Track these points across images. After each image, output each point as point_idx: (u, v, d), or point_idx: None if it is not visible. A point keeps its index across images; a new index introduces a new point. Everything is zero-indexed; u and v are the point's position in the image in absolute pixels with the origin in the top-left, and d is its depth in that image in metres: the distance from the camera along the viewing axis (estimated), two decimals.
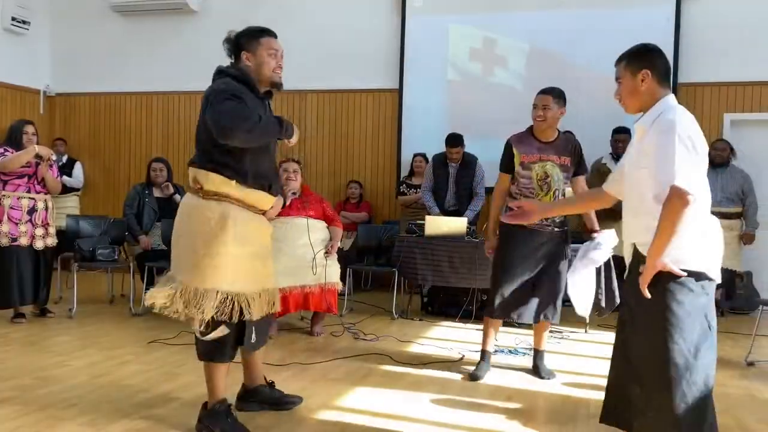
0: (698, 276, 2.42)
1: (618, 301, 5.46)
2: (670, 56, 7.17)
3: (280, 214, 5.09)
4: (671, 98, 2.56)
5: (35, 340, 4.94)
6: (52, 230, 5.71)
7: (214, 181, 2.96)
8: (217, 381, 3.11)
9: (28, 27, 8.84)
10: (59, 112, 9.46)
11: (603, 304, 5.38)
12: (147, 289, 6.03)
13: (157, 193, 6.57)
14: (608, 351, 5.01)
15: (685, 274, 2.39)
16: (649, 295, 2.40)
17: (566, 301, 6.74)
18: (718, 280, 2.49)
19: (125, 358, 4.44)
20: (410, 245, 6.07)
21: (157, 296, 2.99)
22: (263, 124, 2.87)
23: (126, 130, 9.20)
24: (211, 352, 3.07)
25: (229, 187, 2.97)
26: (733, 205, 6.61)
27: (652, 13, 7.33)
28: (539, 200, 4.02)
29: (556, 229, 4.10)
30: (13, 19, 8.62)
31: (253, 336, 3.14)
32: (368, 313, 6.25)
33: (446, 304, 6.21)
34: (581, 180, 4.18)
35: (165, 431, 3.13)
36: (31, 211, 5.52)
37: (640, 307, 2.47)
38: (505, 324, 5.72)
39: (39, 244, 5.57)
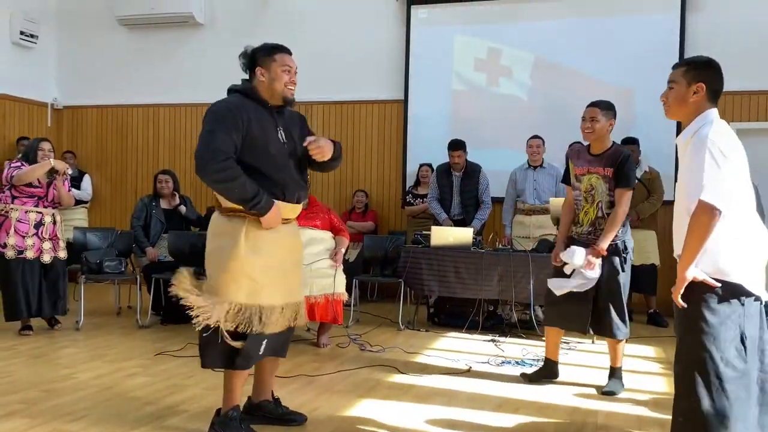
0: (734, 287, 2.45)
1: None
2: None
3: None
4: (713, 113, 2.58)
5: (42, 352, 4.95)
6: (62, 243, 5.73)
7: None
8: (234, 388, 3.16)
9: (36, 41, 8.90)
10: (67, 125, 9.51)
11: None
12: (154, 301, 6.10)
13: (164, 204, 6.59)
14: None
15: (719, 285, 2.43)
16: (682, 305, 2.47)
17: None
18: (761, 293, 2.49)
19: (132, 370, 4.44)
20: (416, 256, 6.07)
21: (183, 286, 3.13)
22: (235, 183, 2.93)
23: (133, 143, 9.24)
24: (233, 359, 3.10)
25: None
26: None
27: (656, 23, 7.33)
28: (585, 211, 4.12)
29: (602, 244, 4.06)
30: (22, 33, 8.69)
31: (262, 348, 3.13)
32: (374, 324, 6.24)
33: (453, 315, 6.19)
34: (621, 193, 4.05)
35: None
36: (38, 224, 5.54)
37: (678, 316, 2.55)
38: (513, 335, 5.72)
39: (46, 258, 5.58)
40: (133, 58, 9.14)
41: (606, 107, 4.09)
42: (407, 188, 7.84)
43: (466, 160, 6.70)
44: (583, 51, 7.52)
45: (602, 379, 4.43)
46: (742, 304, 2.46)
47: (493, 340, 5.58)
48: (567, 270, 4.08)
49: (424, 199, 7.22)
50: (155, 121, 9.15)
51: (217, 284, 3.06)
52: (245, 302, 3.02)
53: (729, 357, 2.44)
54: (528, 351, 5.20)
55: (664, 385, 4.35)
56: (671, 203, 7.46)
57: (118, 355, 4.86)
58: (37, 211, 5.53)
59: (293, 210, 3.23)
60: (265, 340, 3.12)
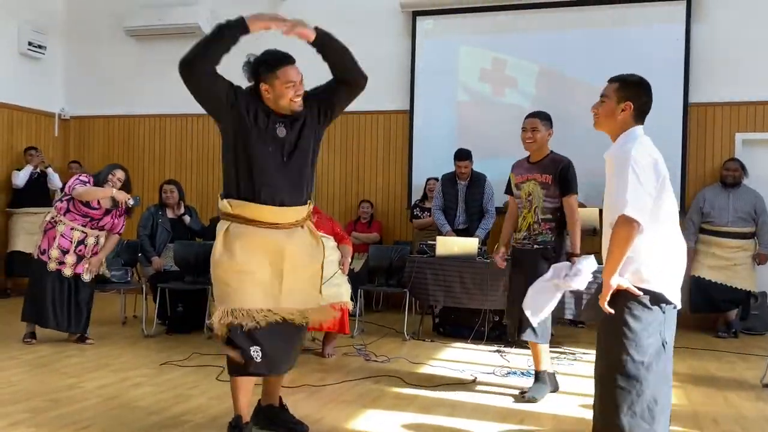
0: (656, 296, 2.61)
1: None
2: (680, 76, 7.24)
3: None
4: (638, 130, 2.76)
5: (47, 361, 4.95)
6: (101, 267, 5.65)
7: (221, 204, 3.15)
8: (235, 396, 3.22)
9: (43, 52, 8.97)
10: (74, 135, 9.56)
11: None
12: (159, 310, 6.11)
13: (170, 214, 6.61)
14: None
15: (641, 293, 2.59)
16: (609, 311, 2.62)
17: (580, 322, 6.72)
18: (677, 303, 2.67)
19: (137, 380, 4.44)
20: (421, 266, 6.06)
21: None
22: (202, 41, 3.07)
23: (139, 153, 9.28)
24: (231, 368, 3.17)
25: (225, 206, 3.11)
26: (746, 225, 6.57)
27: (662, 33, 7.33)
28: (523, 217, 4.26)
29: (536, 246, 4.19)
30: (30, 44, 8.76)
31: (258, 355, 3.09)
32: (379, 334, 6.23)
33: (458, 325, 6.18)
34: (568, 199, 4.16)
35: None
36: (80, 243, 5.46)
37: (603, 321, 2.71)
38: (518, 345, 5.70)
39: (86, 277, 5.51)
40: (140, 69, 9.20)
41: (545, 117, 4.28)
42: (414, 202, 7.84)
43: (471, 169, 6.70)
44: (587, 61, 7.53)
45: None
46: (663, 312, 2.63)
47: (498, 351, 5.57)
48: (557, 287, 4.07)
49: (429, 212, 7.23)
50: (161, 131, 9.19)
51: (215, 290, 3.20)
52: (224, 306, 3.06)
53: (649, 361, 2.59)
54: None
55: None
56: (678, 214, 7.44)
57: (123, 365, 4.86)
58: (81, 230, 5.45)
59: (272, 213, 3.09)
60: (258, 347, 3.08)
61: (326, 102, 3.31)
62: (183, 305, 6.16)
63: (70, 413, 3.67)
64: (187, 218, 6.64)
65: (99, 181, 5.47)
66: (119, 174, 5.50)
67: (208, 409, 3.80)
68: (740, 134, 7.23)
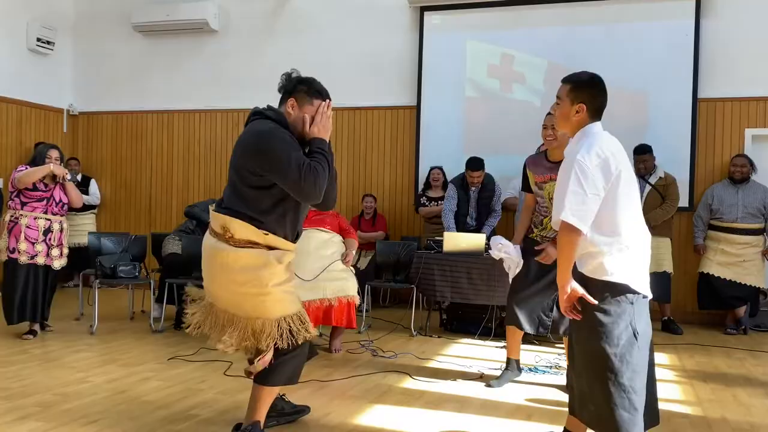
0: (621, 287, 2.67)
1: None
2: (689, 71, 7.20)
3: None
4: (594, 127, 2.80)
5: (56, 356, 4.98)
6: (65, 251, 5.85)
7: (251, 232, 2.97)
8: (265, 404, 3.21)
9: (52, 48, 9.00)
10: (82, 131, 9.59)
11: None
12: (157, 300, 6.13)
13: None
14: None
15: (595, 301, 2.67)
16: (577, 317, 2.73)
17: None
18: (645, 292, 2.72)
19: (145, 374, 4.46)
20: (428, 262, 6.06)
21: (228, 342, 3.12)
22: (325, 170, 2.95)
23: (147, 148, 9.30)
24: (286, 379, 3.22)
25: (264, 239, 2.99)
26: (755, 221, 6.53)
27: (671, 29, 7.29)
28: (550, 218, 4.15)
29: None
30: (38, 40, 8.78)
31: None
32: (386, 330, 6.24)
33: (465, 321, 6.18)
34: None
35: None
36: (47, 231, 5.65)
37: (574, 319, 2.79)
38: (525, 341, 5.69)
39: (57, 265, 5.73)
40: (148, 65, 9.22)
41: None
42: (419, 192, 7.84)
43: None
44: (596, 57, 7.49)
45: None
46: (631, 303, 2.68)
47: (505, 347, 5.55)
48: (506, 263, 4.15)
49: (438, 202, 7.21)
50: (169, 126, 9.20)
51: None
52: (286, 313, 3.11)
53: (622, 352, 2.65)
54: (541, 357, 5.17)
55: (677, 393, 4.32)
56: (687, 210, 7.44)
57: (131, 360, 4.88)
58: (45, 218, 5.64)
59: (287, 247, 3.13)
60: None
61: None
62: None
63: (80, 407, 3.69)
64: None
65: (37, 162, 5.65)
66: (54, 153, 5.71)
67: (216, 404, 3.82)
68: (750, 130, 7.19)
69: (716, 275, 6.58)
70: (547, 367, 4.89)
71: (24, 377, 4.32)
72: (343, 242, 5.45)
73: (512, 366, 4.46)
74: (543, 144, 4.32)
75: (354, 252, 5.43)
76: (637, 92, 7.36)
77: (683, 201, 6.91)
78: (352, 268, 5.41)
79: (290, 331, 3.05)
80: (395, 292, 7.82)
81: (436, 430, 3.48)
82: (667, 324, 6.54)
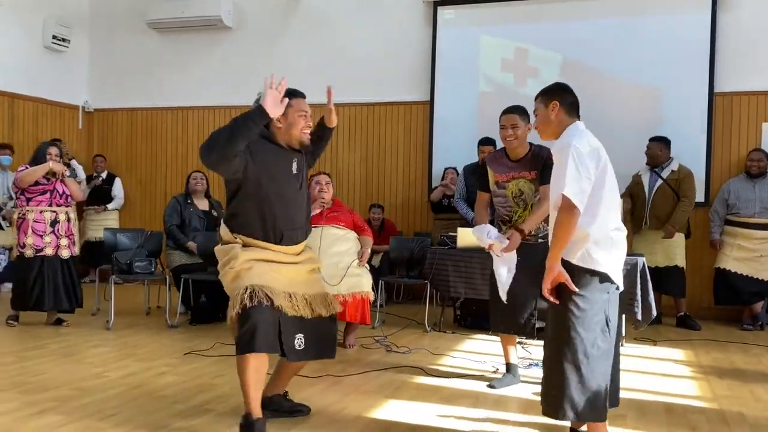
0: (603, 276, 2.81)
1: (655, 314, 5.39)
2: (705, 65, 7.13)
3: (310, 223, 5.15)
4: (579, 125, 2.98)
5: (73, 351, 5.03)
6: (75, 240, 6.06)
7: (227, 235, 3.28)
8: (250, 391, 3.13)
9: (67, 45, 9.06)
10: (97, 128, 9.66)
11: (639, 317, 5.31)
12: (183, 301, 6.18)
13: (200, 205, 6.67)
14: (644, 365, 4.96)
15: (577, 290, 2.78)
16: (554, 300, 2.85)
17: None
18: (619, 284, 2.88)
19: (161, 369, 4.49)
20: (442, 257, 6.05)
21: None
22: (221, 136, 3.03)
23: (162, 145, 9.36)
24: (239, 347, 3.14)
25: (234, 240, 3.23)
26: None
27: (687, 22, 7.23)
28: (518, 216, 4.13)
29: (540, 240, 4.10)
30: (54, 37, 8.85)
31: (299, 342, 3.22)
32: (400, 326, 6.24)
33: (479, 317, 6.16)
34: (546, 188, 3.96)
35: None
36: (54, 222, 5.86)
37: (552, 303, 2.89)
38: (540, 337, 5.67)
39: (65, 254, 5.91)
40: (162, 61, 9.27)
41: (523, 112, 4.14)
42: (431, 186, 7.84)
43: None
44: (611, 51, 7.46)
45: (633, 382, 4.38)
46: (608, 292, 2.84)
47: (520, 343, 5.54)
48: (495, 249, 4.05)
49: (450, 200, 7.20)
50: (184, 123, 9.25)
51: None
52: (252, 283, 3.16)
53: (595, 338, 2.79)
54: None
55: (694, 388, 4.30)
56: (703, 205, 7.35)
57: (147, 354, 4.92)
58: (51, 210, 5.85)
59: (286, 252, 3.30)
60: (301, 335, 3.24)
61: (312, 153, 3.58)
62: (206, 296, 6.23)
63: (96, 402, 3.73)
64: (214, 213, 6.68)
65: (38, 160, 5.84)
66: (54, 150, 5.90)
67: (232, 398, 3.83)
68: (767, 124, 7.11)
69: (733, 270, 6.52)
70: None
71: (41, 372, 4.37)
72: (358, 239, 5.45)
73: (513, 371, 4.35)
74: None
75: (369, 250, 5.43)
76: (652, 87, 7.31)
77: (699, 196, 6.85)
78: (366, 264, 5.42)
79: (240, 300, 3.08)
80: (409, 288, 7.81)
81: (451, 426, 3.47)
82: (684, 319, 6.50)
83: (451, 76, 8.04)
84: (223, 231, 3.30)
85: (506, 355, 4.38)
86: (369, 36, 8.36)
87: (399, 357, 5.01)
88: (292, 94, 3.25)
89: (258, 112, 3.05)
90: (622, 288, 2.91)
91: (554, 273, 2.80)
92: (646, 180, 6.64)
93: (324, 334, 3.38)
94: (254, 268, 3.17)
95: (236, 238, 3.22)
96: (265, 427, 3.15)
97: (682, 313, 6.54)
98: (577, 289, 2.79)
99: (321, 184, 5.25)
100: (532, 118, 3.38)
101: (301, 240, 3.38)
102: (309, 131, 3.35)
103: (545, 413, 2.95)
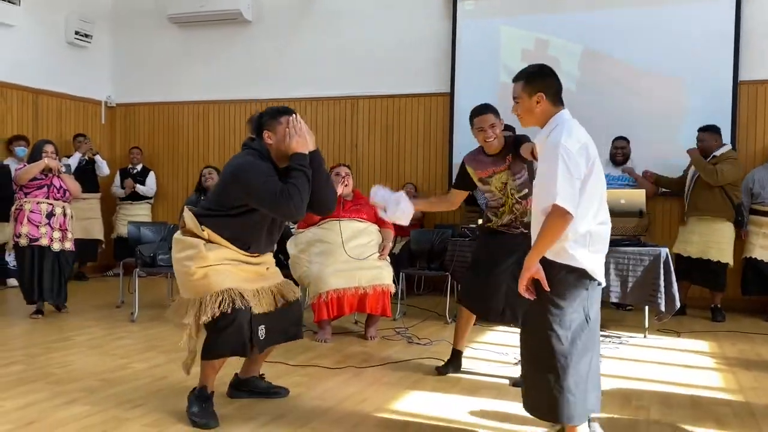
0: (582, 272, 2.73)
1: (678, 305, 5.34)
2: (729, 54, 7.03)
3: (332, 217, 5.18)
4: (563, 115, 2.83)
5: (99, 343, 5.10)
6: (70, 235, 6.17)
7: (194, 225, 3.33)
8: (210, 373, 3.40)
9: (90, 40, 9.16)
10: (120, 122, 9.76)
11: (663, 308, 5.26)
12: None
13: None
14: (668, 356, 4.93)
15: (549, 290, 2.72)
16: (530, 296, 2.78)
17: (627, 306, 6.63)
18: (601, 280, 2.81)
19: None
20: (463, 249, 6.03)
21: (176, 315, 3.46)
22: (302, 188, 3.19)
23: (183, 139, 9.43)
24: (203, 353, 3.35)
25: (201, 233, 3.33)
26: None
27: (710, 10, 7.13)
28: (503, 205, 4.14)
29: (524, 231, 4.03)
30: (77, 33, 8.95)
31: (261, 332, 3.34)
32: (421, 318, 6.25)
33: None
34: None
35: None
36: (50, 215, 6.02)
37: (530, 300, 2.83)
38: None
39: (56, 246, 6.06)
40: (183, 56, 9.33)
41: (494, 110, 4.17)
42: (452, 179, 7.81)
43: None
44: (632, 40, 7.37)
45: (657, 374, 4.36)
46: (587, 289, 2.75)
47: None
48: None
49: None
50: (205, 117, 9.31)
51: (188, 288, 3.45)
52: (220, 288, 3.28)
53: (574, 336, 2.72)
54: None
55: (719, 380, 4.26)
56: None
57: (172, 346, 4.97)
58: (47, 203, 6.02)
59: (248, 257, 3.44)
60: (263, 326, 3.36)
61: None
62: None
63: (122, 392, 3.78)
64: None
65: (35, 157, 6.04)
66: (50, 148, 6.08)
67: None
68: None
69: (760, 259, 6.44)
70: None
71: (68, 363, 4.44)
72: (380, 232, 5.46)
73: (458, 358, 4.38)
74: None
75: (390, 244, 5.45)
76: (674, 77, 7.22)
77: None
78: (387, 257, 5.43)
79: (217, 305, 3.22)
80: (429, 280, 7.81)
81: (473, 418, 3.48)
82: (713, 311, 6.41)
83: (471, 68, 8.00)
84: (189, 218, 3.35)
85: (457, 339, 4.39)
86: (389, 28, 8.34)
87: (420, 349, 5.02)
88: (280, 112, 3.35)
89: (304, 160, 3.26)
90: (603, 283, 2.84)
91: (531, 272, 2.73)
92: (690, 169, 6.53)
93: (290, 318, 3.55)
94: (221, 268, 3.29)
95: (203, 230, 3.30)
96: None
97: (714, 305, 6.45)
98: (549, 289, 2.72)
99: (341, 176, 5.26)
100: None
101: (264, 252, 3.53)
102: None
103: (526, 409, 2.92)
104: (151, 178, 9.13)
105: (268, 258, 3.59)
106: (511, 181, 4.10)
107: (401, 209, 3.94)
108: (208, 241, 3.31)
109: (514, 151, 4.06)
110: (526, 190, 4.06)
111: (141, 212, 8.96)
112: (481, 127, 4.10)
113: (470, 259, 4.35)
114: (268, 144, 3.33)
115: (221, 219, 3.32)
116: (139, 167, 9.08)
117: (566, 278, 2.73)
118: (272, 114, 3.35)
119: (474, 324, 4.43)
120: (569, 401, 2.71)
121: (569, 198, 2.62)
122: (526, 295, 2.80)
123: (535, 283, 2.77)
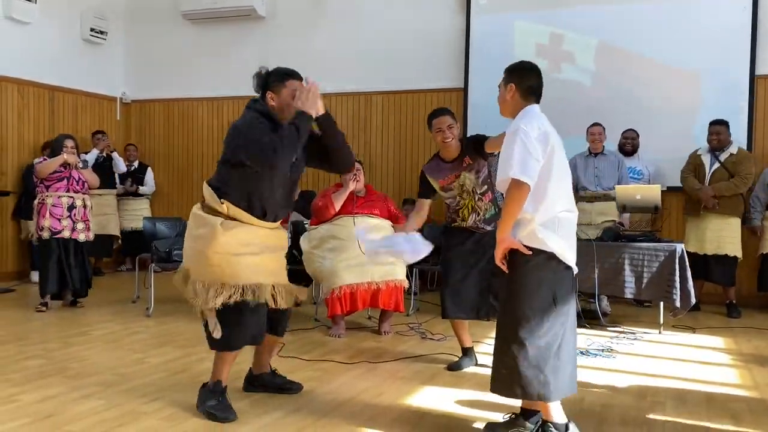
0: (551, 256, 2.85)
1: (693, 301, 5.31)
2: (746, 47, 6.96)
3: (344, 213, 5.20)
4: (533, 109, 2.99)
5: (115, 338, 5.14)
6: (91, 226, 6.36)
7: (215, 202, 3.30)
8: (223, 367, 3.41)
9: (105, 37, 9.22)
10: (134, 119, 9.82)
11: (678, 304, 5.24)
12: None
13: None
14: (683, 352, 4.90)
15: (530, 252, 2.84)
16: (505, 269, 2.92)
17: (646, 302, 6.59)
18: (572, 266, 2.92)
19: (201, 355, 4.56)
20: None
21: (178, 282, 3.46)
22: (289, 137, 3.16)
23: (198, 135, 9.47)
24: (222, 345, 3.36)
25: (220, 207, 3.29)
26: None
27: (727, 2, 7.06)
28: (464, 206, 4.16)
29: (488, 228, 4.11)
30: (92, 30, 9.02)
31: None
32: (435, 313, 6.23)
33: None
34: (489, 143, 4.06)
35: (240, 426, 3.22)
36: (71, 207, 6.17)
37: (503, 279, 2.97)
38: (576, 325, 5.63)
39: (81, 237, 6.24)
40: (197, 52, 9.36)
41: (452, 112, 4.22)
42: None
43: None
44: (649, 35, 7.32)
45: (671, 370, 4.34)
46: (554, 272, 2.87)
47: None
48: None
49: None
50: (219, 113, 9.35)
51: (202, 268, 3.37)
52: (236, 282, 3.28)
53: (541, 315, 2.83)
54: (593, 341, 5.13)
55: (734, 376, 4.23)
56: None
57: (187, 341, 5.01)
58: (68, 196, 6.16)
59: (267, 225, 3.40)
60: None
61: (311, 149, 3.50)
62: None
63: (138, 386, 3.81)
64: None
65: (56, 151, 6.19)
66: (70, 143, 6.22)
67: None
68: None
69: None
70: (599, 350, 4.84)
71: (85, 357, 4.48)
72: (393, 228, 5.46)
73: (470, 354, 4.42)
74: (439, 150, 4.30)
75: None
76: (690, 70, 7.16)
77: None
78: None
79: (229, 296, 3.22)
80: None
81: (487, 413, 3.48)
82: (729, 307, 6.37)
83: (485, 63, 7.96)
84: (207, 192, 3.35)
85: (460, 340, 4.43)
86: (402, 23, 8.33)
87: (434, 344, 5.03)
88: (287, 75, 3.32)
89: (307, 117, 3.21)
90: (576, 270, 2.95)
91: (506, 243, 2.86)
92: (706, 162, 6.48)
93: (285, 318, 3.59)
94: (242, 260, 3.26)
95: (222, 203, 3.28)
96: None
97: (729, 301, 6.41)
98: (529, 252, 2.83)
99: (353, 172, 5.26)
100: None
101: (281, 217, 3.51)
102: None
103: (493, 390, 2.98)
104: (149, 174, 9.19)
105: (281, 234, 3.55)
106: (474, 179, 4.13)
107: (416, 251, 4.00)
108: (227, 216, 3.28)
109: (472, 152, 4.11)
110: (486, 186, 4.13)
111: (141, 206, 9.04)
112: (439, 128, 4.15)
113: (441, 269, 4.39)
114: (271, 106, 3.32)
115: (234, 186, 3.28)
116: (135, 164, 9.13)
117: (535, 259, 2.85)
118: (279, 76, 3.32)
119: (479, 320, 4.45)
120: (540, 380, 2.82)
121: (526, 170, 2.75)
122: (500, 266, 2.92)
123: (510, 260, 2.90)
